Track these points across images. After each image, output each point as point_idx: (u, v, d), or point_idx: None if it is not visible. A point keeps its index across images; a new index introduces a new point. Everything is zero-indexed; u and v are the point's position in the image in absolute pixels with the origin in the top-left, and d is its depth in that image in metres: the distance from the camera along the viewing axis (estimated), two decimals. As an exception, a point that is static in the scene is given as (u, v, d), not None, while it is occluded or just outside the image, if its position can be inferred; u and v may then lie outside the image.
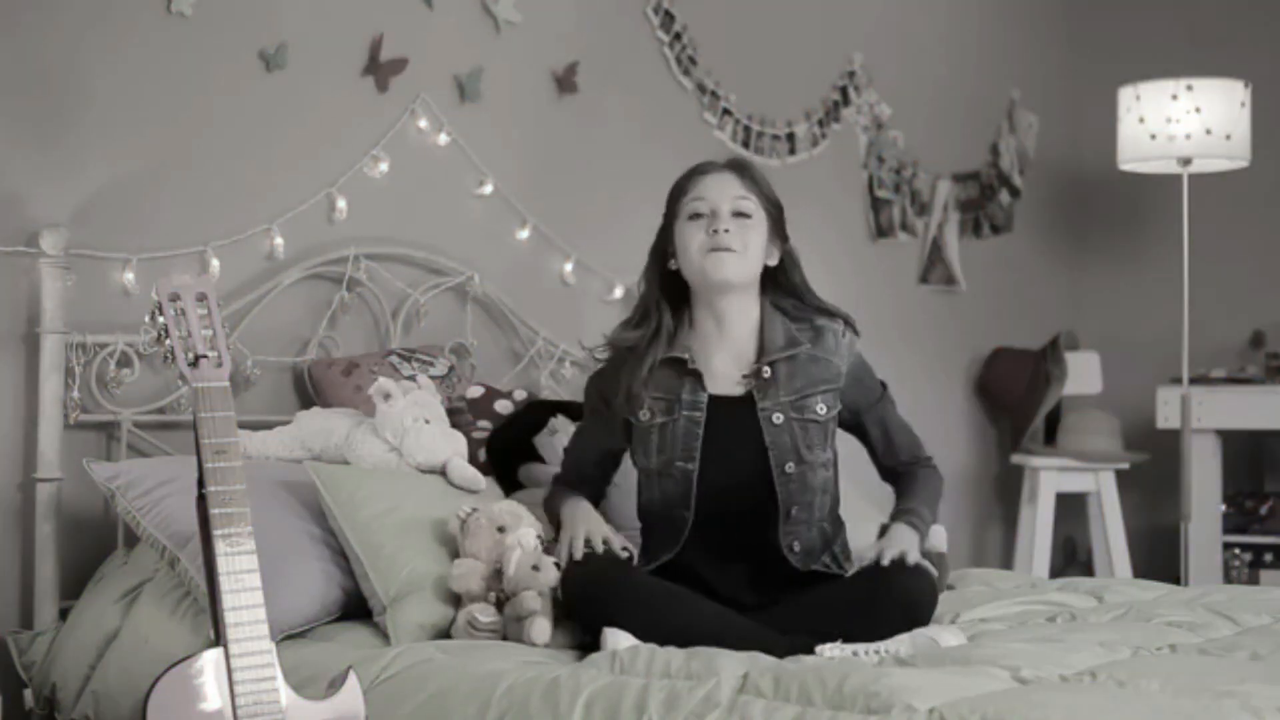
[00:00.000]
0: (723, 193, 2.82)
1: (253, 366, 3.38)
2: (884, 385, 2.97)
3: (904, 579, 2.68)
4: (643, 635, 2.55)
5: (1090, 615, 2.92)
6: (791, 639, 2.56)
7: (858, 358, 2.91)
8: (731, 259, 2.79)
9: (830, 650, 2.50)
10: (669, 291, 2.89)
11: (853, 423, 2.94)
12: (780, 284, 2.90)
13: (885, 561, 2.69)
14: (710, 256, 2.79)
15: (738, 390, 2.84)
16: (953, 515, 5.17)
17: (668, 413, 2.82)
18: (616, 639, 2.55)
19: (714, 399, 2.82)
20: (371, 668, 2.48)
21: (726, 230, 2.78)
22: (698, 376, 2.82)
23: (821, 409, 2.84)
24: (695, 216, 2.82)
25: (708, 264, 2.79)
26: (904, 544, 2.75)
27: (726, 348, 2.86)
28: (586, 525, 2.78)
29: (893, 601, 2.65)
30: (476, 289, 3.80)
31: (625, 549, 2.76)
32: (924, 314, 5.18)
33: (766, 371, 2.82)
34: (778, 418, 2.81)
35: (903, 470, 2.99)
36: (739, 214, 2.81)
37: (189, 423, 2.31)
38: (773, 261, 2.88)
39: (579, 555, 2.70)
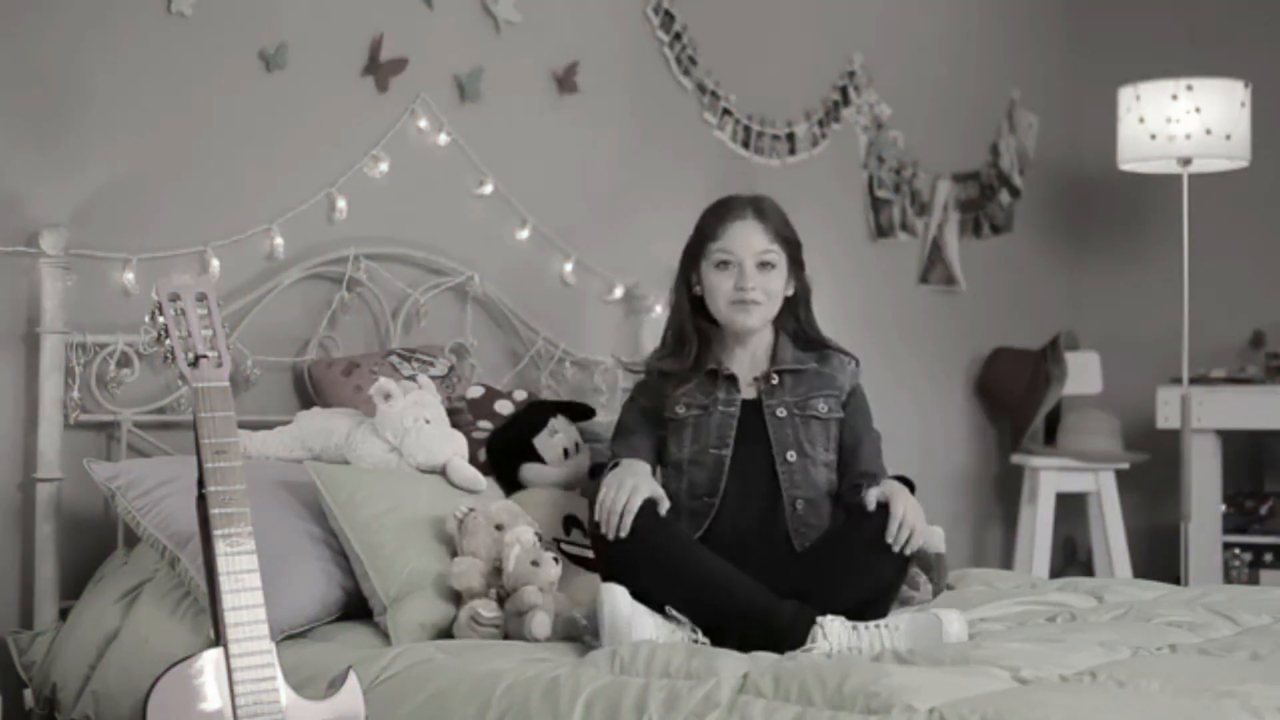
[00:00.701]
0: (748, 246, 2.97)
1: (253, 366, 3.37)
2: (878, 433, 3.06)
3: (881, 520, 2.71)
4: (654, 576, 2.64)
5: (1090, 615, 2.92)
6: (795, 606, 2.62)
7: (859, 386, 3.05)
8: (756, 310, 2.98)
9: (831, 625, 2.56)
10: (698, 310, 3.03)
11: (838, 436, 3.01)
12: (791, 312, 3.06)
13: (871, 505, 2.73)
14: (737, 308, 2.97)
15: (750, 394, 2.99)
16: (953, 515, 5.18)
17: (704, 407, 2.97)
18: (614, 596, 2.58)
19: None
20: (371, 668, 2.48)
21: (753, 287, 2.95)
22: (732, 380, 2.98)
23: (823, 407, 2.99)
24: (722, 264, 2.97)
25: (735, 315, 2.98)
26: (894, 488, 2.78)
27: (745, 356, 3.02)
28: (634, 480, 2.75)
29: (874, 538, 2.70)
30: (476, 289, 3.80)
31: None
32: (924, 314, 5.18)
33: (775, 379, 2.98)
34: (781, 412, 2.97)
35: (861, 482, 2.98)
36: (763, 264, 2.97)
37: (189, 423, 2.31)
38: (789, 292, 3.04)
39: (615, 519, 2.69)
